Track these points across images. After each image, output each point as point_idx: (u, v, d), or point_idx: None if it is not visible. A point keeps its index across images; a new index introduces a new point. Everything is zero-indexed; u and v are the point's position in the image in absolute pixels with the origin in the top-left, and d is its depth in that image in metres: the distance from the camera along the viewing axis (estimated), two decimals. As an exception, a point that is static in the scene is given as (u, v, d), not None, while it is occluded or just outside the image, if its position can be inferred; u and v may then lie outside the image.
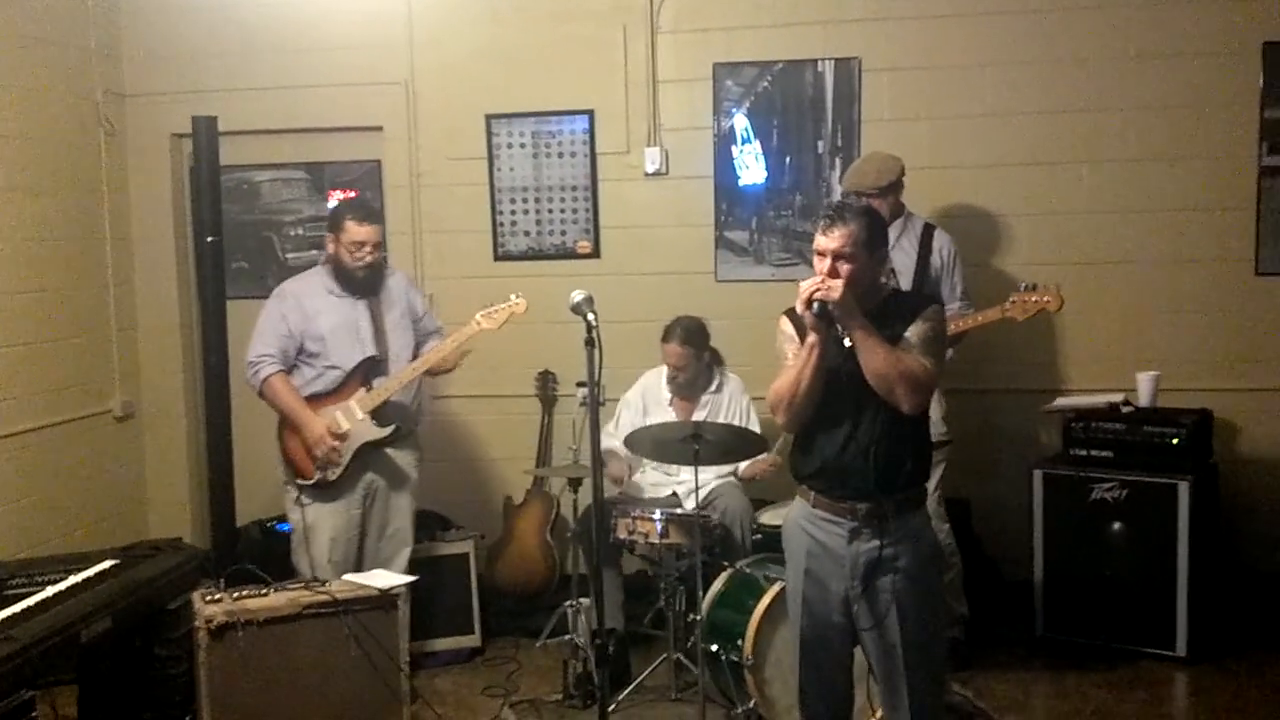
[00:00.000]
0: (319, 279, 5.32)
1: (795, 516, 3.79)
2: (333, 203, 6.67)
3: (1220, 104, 5.79)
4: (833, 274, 3.52)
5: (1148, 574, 5.38)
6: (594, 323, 4.01)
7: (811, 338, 3.54)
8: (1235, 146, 5.79)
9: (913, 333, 3.57)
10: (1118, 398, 5.68)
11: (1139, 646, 5.42)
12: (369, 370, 5.21)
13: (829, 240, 3.55)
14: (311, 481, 5.16)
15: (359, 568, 5.16)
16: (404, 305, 5.38)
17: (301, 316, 5.21)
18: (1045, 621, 5.60)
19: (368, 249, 5.19)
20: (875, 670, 3.71)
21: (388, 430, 5.20)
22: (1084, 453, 5.59)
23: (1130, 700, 5.09)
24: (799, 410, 3.63)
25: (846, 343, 3.53)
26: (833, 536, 3.65)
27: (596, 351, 3.99)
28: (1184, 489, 5.30)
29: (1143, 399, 5.65)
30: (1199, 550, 5.32)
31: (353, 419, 5.14)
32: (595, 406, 4.05)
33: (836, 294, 3.47)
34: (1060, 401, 5.84)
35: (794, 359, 3.64)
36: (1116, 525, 5.44)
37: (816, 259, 3.59)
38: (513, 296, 5.23)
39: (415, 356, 5.32)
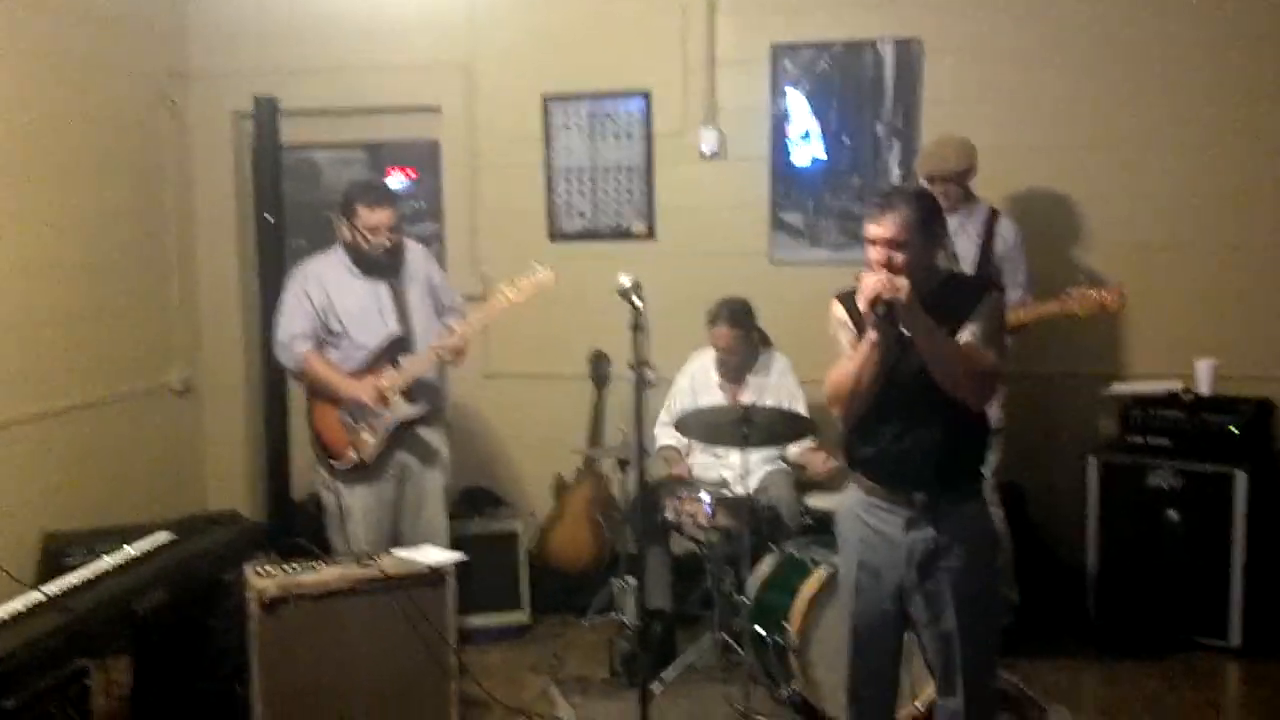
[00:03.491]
0: (339, 258, 5.20)
1: (850, 504, 3.75)
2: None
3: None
4: (886, 263, 3.44)
5: (1203, 563, 5.33)
6: (640, 308, 4.01)
7: (872, 335, 3.46)
8: (1301, 132, 5.68)
9: (974, 329, 3.49)
10: (1177, 385, 5.62)
11: (1192, 636, 5.38)
12: (395, 348, 5.11)
13: (881, 228, 3.46)
14: (346, 465, 5.07)
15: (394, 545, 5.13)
16: (423, 281, 5.26)
17: (323, 294, 5.13)
18: (1098, 609, 5.57)
19: (384, 233, 5.07)
20: (930, 657, 3.69)
21: (420, 408, 5.14)
22: (1141, 440, 5.55)
23: (1181, 690, 5.06)
24: (858, 405, 3.59)
25: (905, 332, 3.45)
26: (889, 525, 3.61)
27: (643, 336, 4.00)
28: (1241, 478, 5.25)
29: (1202, 386, 5.58)
30: (1255, 541, 5.27)
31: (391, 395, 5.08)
32: (641, 390, 4.06)
33: (904, 295, 3.37)
34: (1118, 387, 5.78)
35: (851, 351, 3.58)
36: (1172, 513, 5.40)
37: (868, 247, 3.50)
38: (537, 266, 5.01)
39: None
